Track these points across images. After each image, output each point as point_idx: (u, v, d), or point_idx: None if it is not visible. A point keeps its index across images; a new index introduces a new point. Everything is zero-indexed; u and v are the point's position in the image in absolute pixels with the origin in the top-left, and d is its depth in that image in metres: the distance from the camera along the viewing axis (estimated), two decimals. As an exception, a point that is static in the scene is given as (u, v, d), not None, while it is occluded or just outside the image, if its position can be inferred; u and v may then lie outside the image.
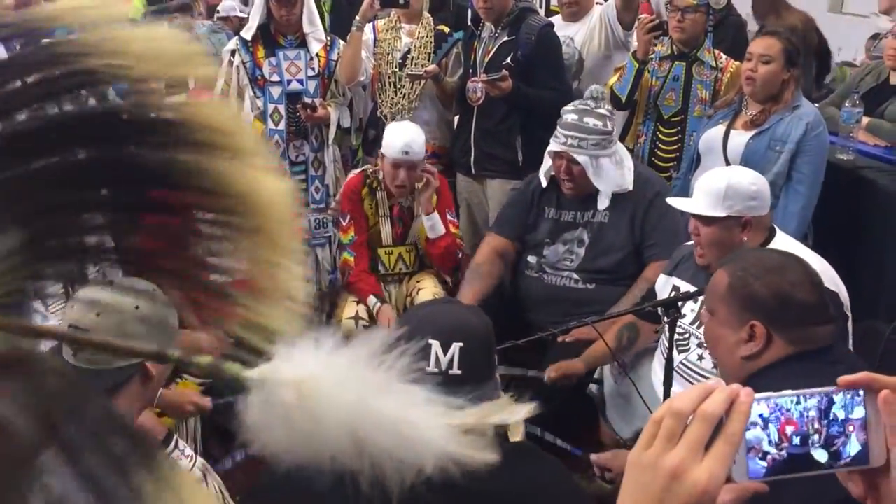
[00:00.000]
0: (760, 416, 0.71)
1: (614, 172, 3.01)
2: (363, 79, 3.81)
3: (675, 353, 2.47)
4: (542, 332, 2.64)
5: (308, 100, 3.71)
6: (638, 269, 3.04)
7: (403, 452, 0.74)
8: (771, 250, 1.83)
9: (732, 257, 1.88)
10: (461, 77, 3.91)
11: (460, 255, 3.49)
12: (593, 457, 2.26)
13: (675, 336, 2.48)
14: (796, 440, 0.71)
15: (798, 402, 0.71)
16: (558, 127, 3.02)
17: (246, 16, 7.04)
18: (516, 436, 2.36)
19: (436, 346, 1.46)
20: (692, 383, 2.46)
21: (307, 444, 0.74)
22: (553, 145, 3.03)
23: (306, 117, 3.72)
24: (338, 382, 0.77)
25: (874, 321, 2.68)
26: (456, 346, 1.46)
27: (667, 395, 2.37)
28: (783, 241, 2.41)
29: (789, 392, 0.71)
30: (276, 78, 3.73)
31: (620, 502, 0.72)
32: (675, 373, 2.44)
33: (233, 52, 3.77)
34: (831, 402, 0.71)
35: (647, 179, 3.12)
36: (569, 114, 3.00)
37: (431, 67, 3.82)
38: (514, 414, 0.85)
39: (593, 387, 2.92)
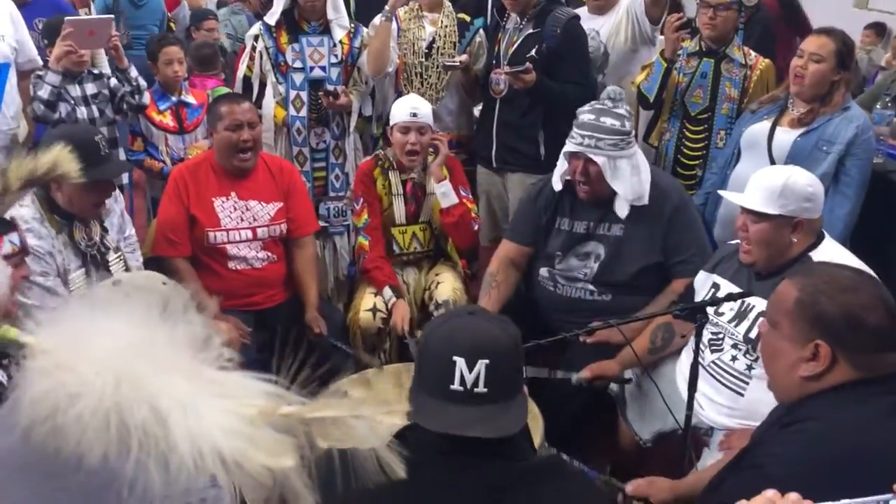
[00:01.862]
0: None
1: (631, 177, 2.88)
2: (390, 69, 3.78)
3: (707, 352, 2.43)
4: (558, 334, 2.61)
5: (330, 87, 3.68)
6: (658, 281, 2.94)
7: (161, 438, 0.71)
8: (843, 266, 1.75)
9: (802, 270, 1.80)
10: (485, 66, 3.87)
11: (476, 228, 3.45)
12: (629, 488, 2.20)
13: (710, 336, 2.45)
14: None
15: None
16: (574, 127, 2.91)
17: (266, -3, 7.03)
18: (535, 431, 2.33)
19: (461, 363, 1.42)
20: (722, 384, 2.43)
21: (65, 420, 0.71)
22: (569, 146, 2.91)
23: (328, 104, 3.69)
24: (103, 354, 0.72)
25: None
26: (482, 364, 1.42)
27: (690, 397, 2.34)
28: (831, 247, 2.37)
29: (844, 502, 0.69)
30: (298, 64, 3.69)
31: None
32: (705, 372, 2.41)
33: (256, 38, 3.74)
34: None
35: (664, 191, 2.95)
36: (585, 113, 2.89)
37: (464, 57, 3.79)
38: (332, 410, 0.80)
39: (614, 386, 2.88)
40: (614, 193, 2.90)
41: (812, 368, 1.58)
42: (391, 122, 3.35)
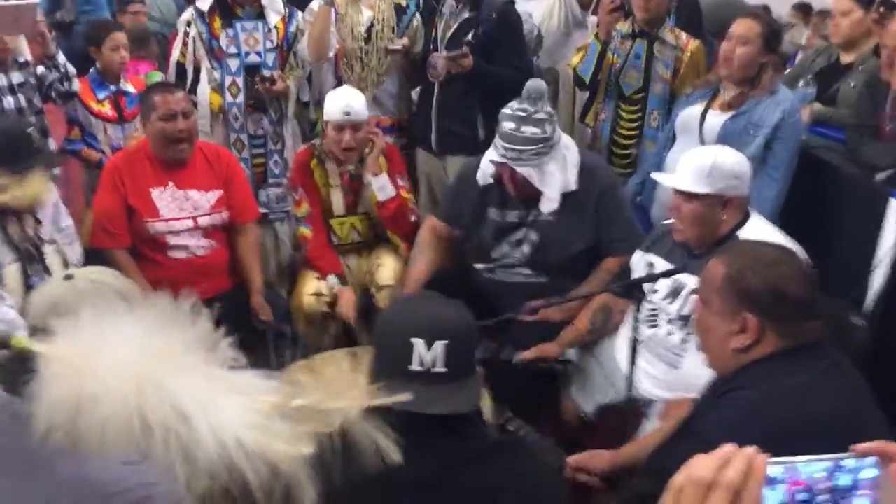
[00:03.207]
0: (772, 478, 0.73)
1: (559, 175, 2.87)
2: (331, 55, 3.76)
3: (644, 328, 2.51)
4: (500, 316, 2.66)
5: (266, 73, 3.66)
6: (591, 262, 2.99)
7: (184, 435, 0.76)
8: (767, 244, 1.86)
9: (728, 249, 1.90)
10: (422, 50, 3.88)
11: (414, 219, 3.46)
12: (570, 459, 2.27)
13: (646, 312, 2.53)
14: (801, 497, 0.73)
15: (808, 465, 0.73)
16: (497, 136, 2.86)
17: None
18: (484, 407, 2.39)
19: (419, 344, 1.46)
20: (659, 358, 2.52)
21: (86, 423, 0.76)
22: (493, 154, 2.88)
23: (265, 90, 3.67)
24: (121, 359, 0.77)
25: (828, 297, 2.75)
26: (440, 344, 1.46)
27: (631, 371, 2.42)
28: (757, 223, 2.46)
29: (801, 458, 0.74)
30: (233, 50, 3.66)
31: None
32: (643, 347, 2.48)
33: (188, 23, 3.69)
34: (839, 465, 0.74)
35: (593, 173, 2.96)
36: (506, 121, 2.83)
37: (405, 41, 3.80)
38: (344, 402, 0.87)
39: (557, 365, 2.95)
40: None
41: (742, 341, 1.67)
42: (325, 117, 3.31)
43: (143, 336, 0.79)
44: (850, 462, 0.74)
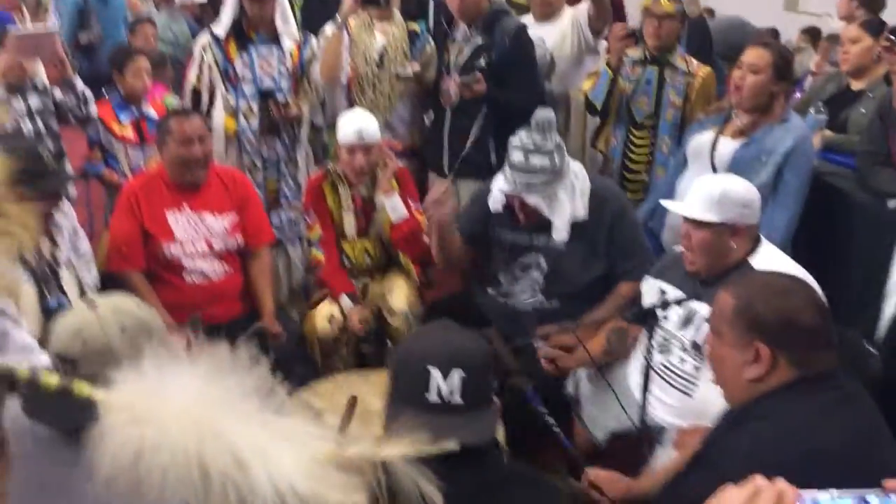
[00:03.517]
0: None
1: (569, 205, 2.91)
2: (343, 79, 3.80)
3: (656, 355, 2.52)
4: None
5: (281, 97, 3.70)
6: (604, 287, 3.01)
7: (242, 484, 0.78)
8: (776, 273, 1.87)
9: (737, 280, 1.92)
10: (436, 76, 3.92)
11: (427, 241, 3.47)
12: (591, 473, 2.29)
13: (659, 339, 2.53)
14: None
15: (833, 500, 0.75)
16: (506, 165, 2.90)
17: (205, 1, 6.97)
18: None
19: (436, 374, 1.47)
20: (672, 385, 2.52)
21: (147, 470, 0.78)
22: (503, 184, 2.92)
23: (278, 115, 3.70)
24: (180, 408, 0.80)
25: (840, 325, 2.75)
26: (457, 375, 1.47)
27: (644, 398, 2.42)
28: (768, 251, 2.47)
29: (831, 492, 0.75)
30: (248, 75, 3.70)
31: None
32: (655, 374, 2.49)
33: (204, 48, 3.73)
34: (864, 500, 0.75)
35: (604, 199, 2.98)
36: (515, 152, 2.87)
37: (417, 66, 3.83)
38: (397, 450, 0.89)
39: (570, 388, 2.96)
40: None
41: (756, 371, 1.68)
42: (338, 140, 3.34)
43: (201, 385, 0.82)
44: (874, 499, 0.75)
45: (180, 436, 0.78)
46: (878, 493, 0.76)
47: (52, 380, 0.88)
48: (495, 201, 3.01)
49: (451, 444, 0.96)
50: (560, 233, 2.92)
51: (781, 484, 0.74)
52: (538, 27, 4.14)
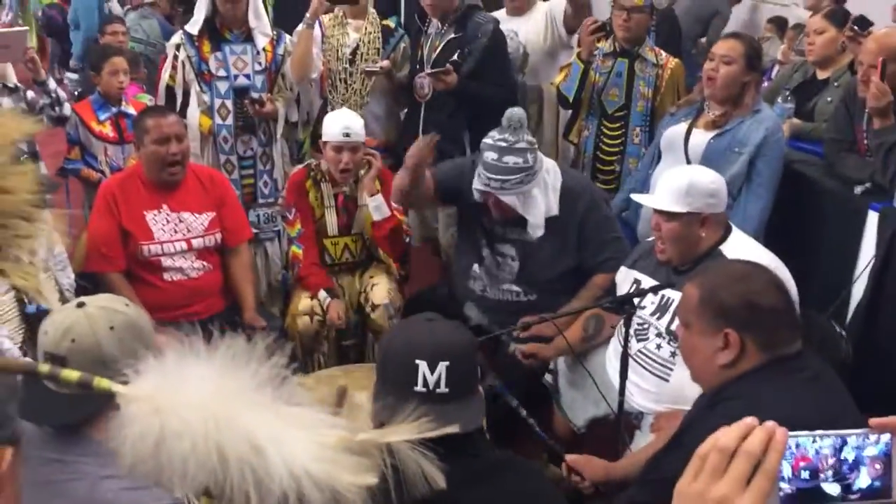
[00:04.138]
0: None
1: (543, 201, 2.95)
2: (314, 76, 3.82)
3: (633, 342, 2.58)
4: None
5: (255, 95, 3.70)
6: (579, 282, 3.06)
7: (259, 467, 0.83)
8: (736, 261, 1.95)
9: (700, 271, 1.99)
10: (409, 72, 3.94)
11: (408, 241, 3.52)
12: (569, 458, 2.34)
13: (635, 326, 2.59)
14: (805, 475, 0.79)
15: (814, 441, 0.80)
16: (480, 165, 2.92)
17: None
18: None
19: (423, 366, 1.51)
20: (649, 371, 2.58)
21: (168, 457, 0.83)
22: (477, 183, 2.94)
23: (254, 112, 3.71)
24: (199, 398, 0.84)
25: (810, 310, 2.83)
26: (443, 366, 1.52)
27: (622, 385, 2.48)
28: (738, 238, 2.54)
29: (807, 432, 0.79)
30: (222, 73, 3.70)
31: None
32: (633, 360, 2.55)
33: (178, 46, 3.72)
34: (845, 442, 0.80)
35: (576, 194, 3.02)
36: (488, 151, 2.88)
37: (385, 63, 3.85)
38: (403, 435, 0.95)
39: (549, 377, 3.01)
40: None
41: (727, 356, 1.76)
42: (324, 138, 3.36)
43: (217, 377, 0.86)
44: (854, 440, 0.79)
45: (199, 424, 0.82)
46: (859, 434, 0.80)
47: (73, 375, 0.92)
48: (475, 194, 3.04)
49: (451, 428, 1.00)
50: (536, 230, 2.96)
51: (771, 423, 0.79)
52: (510, 21, 4.18)
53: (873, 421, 0.80)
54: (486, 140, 2.92)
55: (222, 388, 0.85)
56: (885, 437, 0.80)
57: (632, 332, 2.61)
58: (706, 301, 1.79)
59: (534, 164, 2.90)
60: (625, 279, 2.76)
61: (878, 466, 0.79)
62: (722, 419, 1.68)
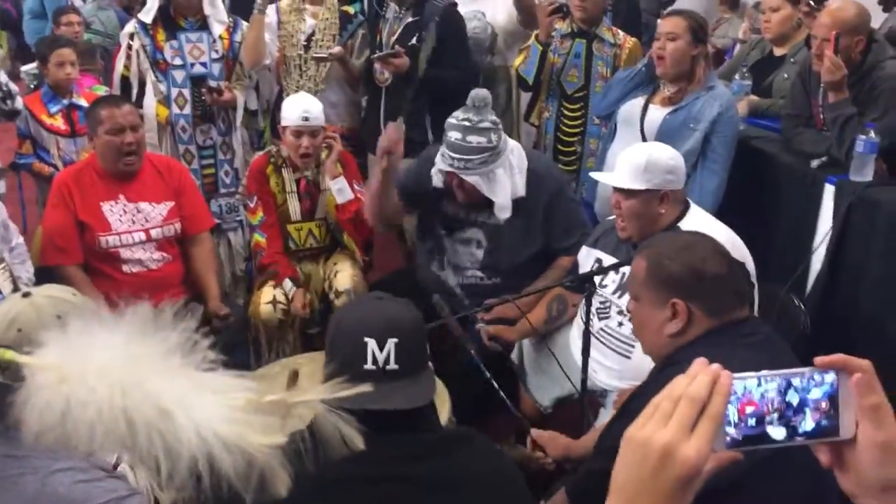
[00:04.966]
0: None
1: (508, 182, 2.92)
2: (268, 62, 3.79)
3: (595, 320, 2.59)
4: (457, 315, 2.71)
5: (213, 83, 3.67)
6: (544, 263, 3.05)
7: (167, 432, 0.83)
8: (681, 231, 1.98)
9: (647, 244, 2.01)
10: (368, 59, 3.91)
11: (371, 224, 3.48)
12: (534, 432, 2.36)
13: (597, 305, 2.61)
14: (752, 421, 0.79)
15: (759, 385, 0.80)
16: (443, 145, 2.89)
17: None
18: (442, 408, 2.45)
19: (371, 343, 1.52)
20: (611, 348, 2.60)
21: (75, 425, 0.83)
22: (440, 163, 2.92)
23: (212, 101, 3.68)
24: (105, 365, 0.84)
25: (769, 284, 2.86)
26: (391, 343, 1.52)
27: (585, 363, 2.49)
28: (697, 214, 2.56)
29: (752, 374, 0.79)
30: (178, 61, 3.66)
31: (616, 474, 0.80)
32: (595, 339, 2.56)
33: (131, 36, 3.68)
34: (790, 384, 0.80)
35: (541, 177, 3.00)
36: (452, 130, 2.85)
37: (336, 49, 3.81)
38: (312, 395, 0.95)
39: (514, 358, 3.02)
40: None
41: (675, 325, 1.78)
42: (282, 123, 3.33)
43: (124, 343, 0.85)
44: (799, 381, 0.80)
45: (105, 391, 0.82)
46: (804, 376, 0.80)
47: None
48: (436, 178, 3.03)
49: (364, 387, 1.00)
50: (503, 211, 2.94)
51: (716, 366, 0.79)
52: (477, 2, 4.18)
53: (818, 360, 0.80)
54: (450, 120, 2.90)
55: (129, 355, 0.85)
56: (830, 378, 0.80)
57: (594, 310, 2.62)
58: (653, 271, 1.82)
59: (498, 144, 2.88)
60: (586, 258, 2.77)
61: (823, 405, 0.79)
62: (661, 385, 1.72)
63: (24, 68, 5.26)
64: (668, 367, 1.78)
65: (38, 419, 0.83)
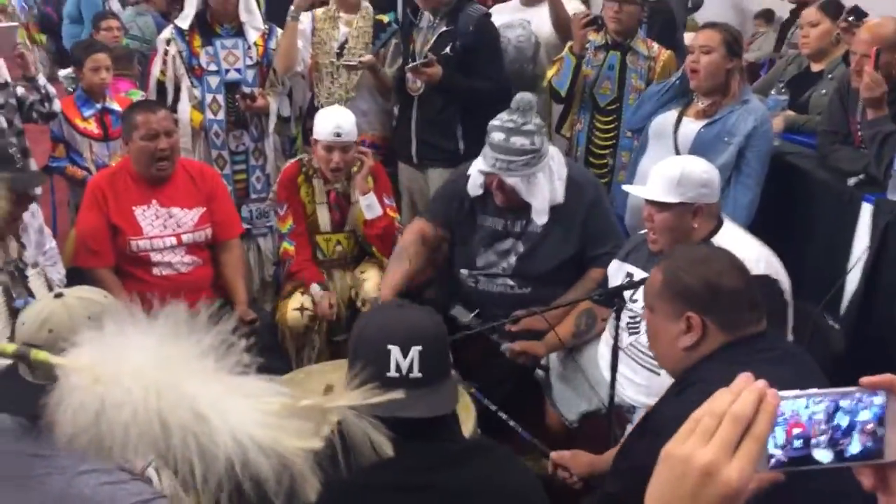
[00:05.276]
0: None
1: (547, 187, 2.93)
2: (300, 69, 3.81)
3: (625, 335, 2.56)
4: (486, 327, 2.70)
5: (247, 89, 3.69)
6: (576, 272, 3.03)
7: (202, 434, 0.82)
8: (699, 246, 1.96)
9: (664, 257, 1.99)
10: (400, 67, 3.92)
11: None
12: (554, 455, 2.33)
13: (627, 320, 2.58)
14: (798, 443, 0.77)
15: (807, 406, 0.77)
16: (486, 145, 2.91)
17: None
18: (468, 419, 2.43)
19: (395, 351, 1.50)
20: (640, 364, 2.57)
21: (109, 427, 0.82)
22: (482, 164, 2.93)
23: (245, 107, 3.70)
24: (139, 367, 0.83)
25: (803, 302, 2.82)
26: (415, 350, 1.51)
27: (613, 378, 2.47)
28: (730, 230, 2.52)
29: (798, 392, 0.77)
30: (213, 67, 3.69)
31: (652, 491, 0.76)
32: (624, 354, 2.53)
33: (168, 41, 3.72)
34: (838, 406, 0.77)
35: (580, 186, 3.01)
36: (496, 132, 2.87)
37: (367, 58, 3.82)
38: (346, 401, 0.94)
39: (539, 371, 3.00)
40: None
41: (690, 339, 1.76)
42: (314, 136, 3.32)
43: (158, 345, 0.85)
44: (847, 403, 0.77)
45: (140, 393, 0.81)
46: (853, 397, 0.77)
47: (9, 347, 0.91)
48: (474, 185, 3.02)
49: (396, 395, 0.99)
50: (540, 216, 2.94)
51: (762, 383, 0.75)
52: (524, 11, 4.19)
53: (865, 380, 0.77)
54: (494, 122, 2.92)
55: (163, 357, 0.84)
56: (879, 400, 0.77)
57: (623, 325, 2.60)
58: (668, 284, 1.81)
59: (541, 148, 2.89)
60: (617, 272, 2.75)
61: (869, 428, 0.77)
62: (680, 406, 1.69)
63: (61, 73, 5.35)
64: (686, 387, 1.75)
65: (71, 420, 0.82)
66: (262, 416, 0.84)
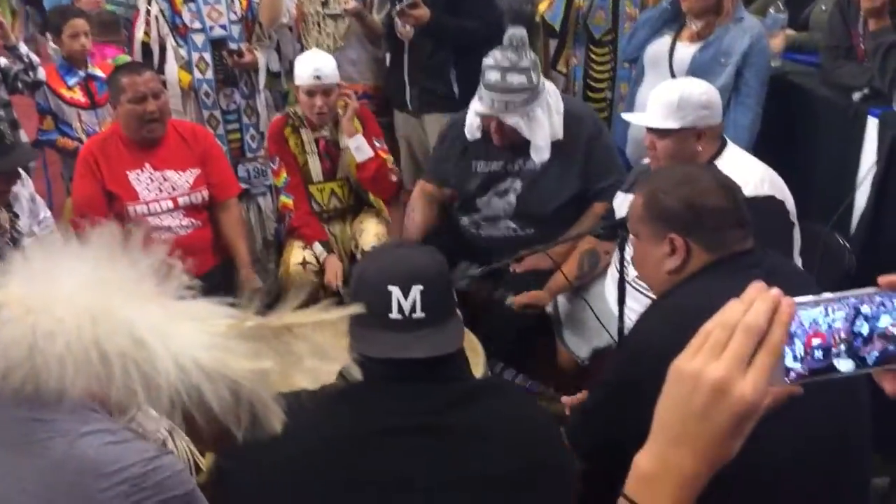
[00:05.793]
0: (791, 332, 0.72)
1: (547, 122, 2.86)
2: (286, 20, 3.72)
3: (630, 268, 2.53)
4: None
5: (234, 45, 3.62)
6: (579, 210, 2.99)
7: (143, 361, 0.77)
8: (679, 165, 1.90)
9: (644, 179, 1.94)
10: (388, 13, 3.83)
11: (395, 179, 3.43)
12: (565, 399, 2.31)
13: (631, 252, 2.54)
14: (819, 353, 0.72)
15: (826, 314, 0.72)
16: (482, 86, 2.83)
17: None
18: (477, 363, 2.41)
19: (396, 292, 1.46)
20: (646, 296, 2.53)
21: (44, 359, 0.77)
22: (479, 106, 2.86)
23: (234, 64, 3.64)
24: (72, 293, 0.78)
25: (811, 222, 2.77)
26: (416, 290, 1.46)
27: (621, 312, 2.43)
28: (733, 152, 2.46)
29: (812, 298, 0.72)
30: (197, 25, 3.62)
31: (660, 411, 0.72)
32: (631, 287, 2.50)
33: (149, 1, 3.63)
34: (858, 312, 0.73)
35: (579, 119, 2.95)
36: (491, 71, 2.79)
37: (352, 5, 3.74)
38: (296, 318, 0.88)
39: (549, 308, 2.97)
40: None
41: (674, 261, 1.72)
42: (295, 81, 3.26)
43: (91, 269, 0.80)
44: (868, 309, 0.73)
45: (73, 321, 0.77)
46: (873, 302, 0.73)
47: None
48: (471, 129, 2.96)
49: (354, 308, 0.95)
50: (541, 153, 2.88)
51: (776, 291, 0.70)
52: None
53: (883, 279, 0.72)
54: (488, 60, 2.84)
55: (97, 281, 0.80)
56: None
57: (629, 258, 2.56)
58: (649, 207, 1.76)
59: (538, 84, 2.83)
60: (622, 204, 2.69)
61: (891, 331, 0.73)
62: (649, 318, 1.67)
63: (51, 46, 5.26)
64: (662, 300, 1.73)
65: (3, 355, 0.78)
66: (208, 338, 0.81)
